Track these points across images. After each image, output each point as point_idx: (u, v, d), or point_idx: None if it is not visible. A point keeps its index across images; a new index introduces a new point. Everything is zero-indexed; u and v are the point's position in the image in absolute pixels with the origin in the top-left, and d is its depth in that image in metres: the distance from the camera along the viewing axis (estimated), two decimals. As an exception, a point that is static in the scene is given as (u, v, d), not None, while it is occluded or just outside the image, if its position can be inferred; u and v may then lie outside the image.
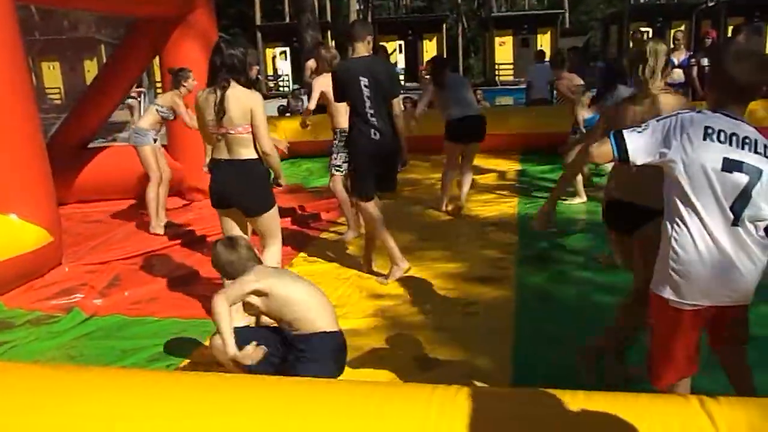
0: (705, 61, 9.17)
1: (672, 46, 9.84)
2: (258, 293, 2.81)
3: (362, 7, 33.74)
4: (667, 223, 2.12)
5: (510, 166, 8.33)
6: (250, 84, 3.62)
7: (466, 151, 6.34)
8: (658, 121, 2.13)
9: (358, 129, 4.45)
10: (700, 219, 2.02)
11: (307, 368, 2.68)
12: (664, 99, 2.78)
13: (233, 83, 3.45)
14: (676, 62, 9.51)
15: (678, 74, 9.49)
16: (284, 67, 27.63)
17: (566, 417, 1.90)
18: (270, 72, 28.08)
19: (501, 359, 3.29)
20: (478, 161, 8.31)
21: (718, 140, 2.01)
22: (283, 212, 4.78)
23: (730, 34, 10.11)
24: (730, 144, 2.01)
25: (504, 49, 26.11)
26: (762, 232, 2.05)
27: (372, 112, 4.37)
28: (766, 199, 2.01)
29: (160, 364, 3.45)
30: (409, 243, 5.33)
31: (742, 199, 1.99)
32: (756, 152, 2.02)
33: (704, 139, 2.02)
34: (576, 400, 1.93)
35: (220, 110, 3.44)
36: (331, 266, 4.89)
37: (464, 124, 6.12)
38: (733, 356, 2.40)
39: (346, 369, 2.94)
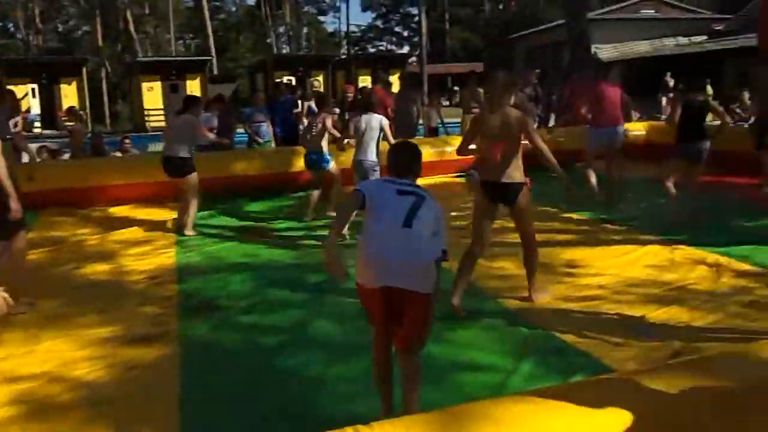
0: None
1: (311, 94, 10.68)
2: None
3: (-17, 45, 29.70)
4: (363, 226, 2.81)
5: (165, 215, 8.03)
6: None
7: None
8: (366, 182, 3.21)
9: None
10: (383, 223, 2.74)
11: None
12: (510, 111, 4.33)
13: None
14: (316, 109, 10.32)
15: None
16: None
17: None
18: None
19: (167, 423, 3.07)
20: (130, 212, 7.94)
21: (393, 183, 2.90)
22: None
23: (363, 84, 11.34)
24: (400, 185, 2.88)
25: (152, 95, 25.33)
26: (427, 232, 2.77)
27: None
28: (423, 218, 2.76)
29: None
30: (56, 309, 4.73)
31: (413, 210, 2.76)
32: (419, 188, 2.89)
33: (386, 182, 2.96)
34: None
35: None
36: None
37: (163, 163, 7.00)
38: (405, 364, 2.87)
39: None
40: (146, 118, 24.61)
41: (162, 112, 24.32)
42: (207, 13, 37.63)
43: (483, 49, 47.42)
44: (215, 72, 32.83)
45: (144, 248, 6.47)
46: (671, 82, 20.09)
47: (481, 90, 10.91)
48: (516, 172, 4.29)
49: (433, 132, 11.36)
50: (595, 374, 3.33)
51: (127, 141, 11.06)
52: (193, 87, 24.97)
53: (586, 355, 3.59)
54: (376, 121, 6.64)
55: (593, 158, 7.83)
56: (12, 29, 48.85)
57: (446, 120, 12.57)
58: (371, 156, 6.62)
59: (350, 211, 2.94)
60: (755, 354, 1.99)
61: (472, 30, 50.56)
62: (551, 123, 13.97)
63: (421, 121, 13.11)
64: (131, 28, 38.26)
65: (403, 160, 3.05)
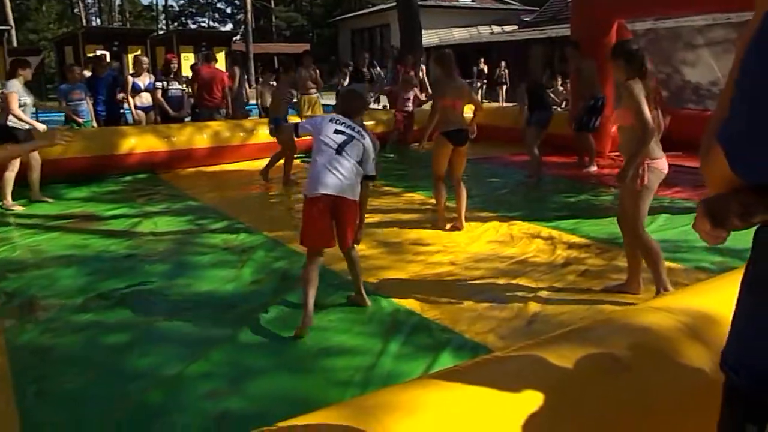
0: (176, 84, 9.51)
1: (134, 71, 9.93)
2: None
3: None
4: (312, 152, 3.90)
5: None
6: None
7: None
8: (313, 119, 4.17)
9: None
10: (323, 152, 3.78)
11: None
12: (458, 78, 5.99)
13: None
14: (142, 86, 9.61)
15: (147, 98, 9.61)
16: None
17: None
18: None
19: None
20: None
21: (335, 123, 3.87)
22: None
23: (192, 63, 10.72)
24: (340, 125, 3.86)
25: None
26: (354, 160, 3.80)
27: None
28: (352, 149, 3.79)
29: None
30: None
31: (343, 144, 3.77)
32: (353, 130, 3.85)
33: (330, 122, 3.89)
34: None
35: None
36: None
37: None
38: (347, 257, 4.05)
39: None
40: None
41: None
42: (1, -23, 33.52)
43: (308, 29, 47.25)
44: (15, 44, 29.46)
45: (-55, 243, 5.63)
46: (485, 68, 21.36)
47: (318, 71, 10.83)
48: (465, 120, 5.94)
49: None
50: (460, 348, 3.45)
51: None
52: (-11, 60, 22.22)
53: (449, 331, 3.67)
54: None
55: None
56: None
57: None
58: None
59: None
60: (632, 321, 2.12)
61: (297, 10, 50.12)
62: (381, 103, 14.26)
63: (253, 101, 12.73)
64: None
65: (343, 104, 4.11)
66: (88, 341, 3.72)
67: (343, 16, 39.28)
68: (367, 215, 6.43)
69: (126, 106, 9.84)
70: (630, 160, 3.83)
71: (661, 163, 3.90)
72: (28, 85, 7.21)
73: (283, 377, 3.24)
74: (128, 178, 8.68)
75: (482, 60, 21.29)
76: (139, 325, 3.92)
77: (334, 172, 3.73)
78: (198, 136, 9.31)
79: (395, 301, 4.16)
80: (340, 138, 3.79)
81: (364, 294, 4.08)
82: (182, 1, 56.58)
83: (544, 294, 4.24)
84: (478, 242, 5.49)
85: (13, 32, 30.63)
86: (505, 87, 20.06)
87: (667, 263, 4.70)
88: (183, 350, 3.52)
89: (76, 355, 3.56)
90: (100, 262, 5.16)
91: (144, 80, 9.61)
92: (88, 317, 4.05)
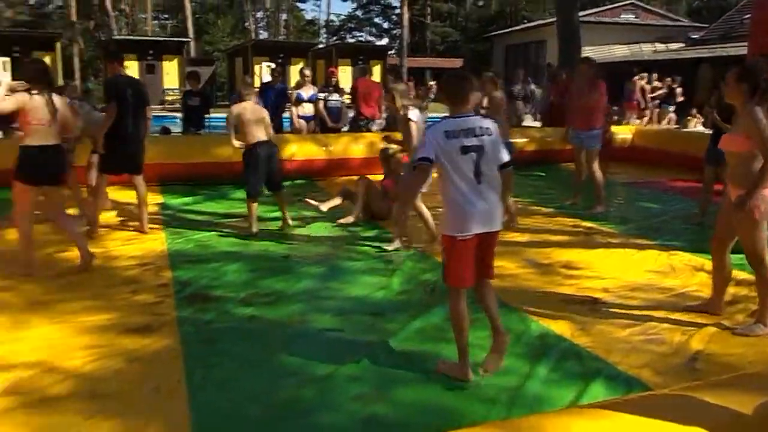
0: (336, 96, 9.94)
1: (302, 81, 10.49)
2: None
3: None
4: (444, 184, 3.22)
5: (150, 199, 7.79)
6: None
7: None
8: (430, 141, 3.16)
9: None
10: (459, 184, 3.14)
11: None
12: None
13: None
14: (305, 97, 10.14)
15: (309, 108, 10.13)
16: None
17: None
18: None
19: (176, 419, 2.93)
20: (111, 194, 7.46)
21: (455, 137, 3.13)
22: None
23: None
24: (463, 136, 3.13)
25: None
26: (495, 180, 3.22)
27: None
28: (488, 163, 3.18)
29: None
30: (42, 295, 4.52)
31: (476, 168, 3.14)
32: (476, 136, 3.16)
33: (447, 138, 3.13)
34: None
35: None
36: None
37: None
38: (484, 288, 3.41)
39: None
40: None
41: (137, 92, 23.83)
42: (187, -6, 36.83)
43: (462, 44, 47.45)
44: (192, 54, 32.24)
45: (130, 233, 6.27)
46: (660, 85, 17.93)
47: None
48: None
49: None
50: (612, 379, 3.31)
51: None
52: (171, 68, 24.53)
53: (601, 360, 3.54)
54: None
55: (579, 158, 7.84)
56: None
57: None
58: None
59: (420, 187, 3.54)
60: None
61: (452, 25, 50.55)
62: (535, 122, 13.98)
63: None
64: (107, 4, 37.12)
65: (453, 96, 3.27)
66: (249, 334, 3.97)
67: (497, 32, 39.07)
68: (517, 233, 6.46)
69: (286, 115, 10.42)
70: (753, 188, 3.71)
71: None
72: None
73: (428, 388, 3.27)
74: (287, 183, 9.16)
75: (656, 75, 16.86)
76: (293, 324, 4.14)
77: (480, 205, 3.15)
78: (354, 146, 9.69)
79: (544, 323, 4.07)
80: (471, 160, 3.12)
81: (504, 330, 3.43)
82: (343, 16, 58.88)
83: (707, 332, 3.96)
84: (635, 270, 5.23)
85: (192, 44, 33.50)
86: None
87: None
88: (334, 352, 3.68)
89: (240, 346, 3.80)
90: (260, 260, 5.50)
91: (308, 91, 10.14)
92: (250, 311, 4.33)
